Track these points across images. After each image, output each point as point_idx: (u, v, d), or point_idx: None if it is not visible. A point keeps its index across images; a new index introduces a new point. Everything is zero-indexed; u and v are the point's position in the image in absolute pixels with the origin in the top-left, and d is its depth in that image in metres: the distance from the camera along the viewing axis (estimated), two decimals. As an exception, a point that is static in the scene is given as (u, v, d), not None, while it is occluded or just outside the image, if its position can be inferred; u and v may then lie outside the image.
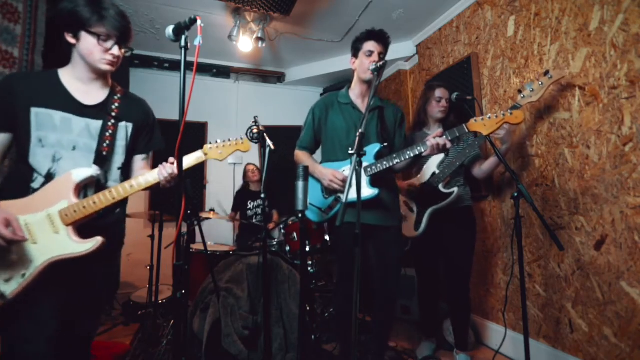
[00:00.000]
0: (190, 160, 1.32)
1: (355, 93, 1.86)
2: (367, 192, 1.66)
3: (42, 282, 1.13)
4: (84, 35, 1.17)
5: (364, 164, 1.66)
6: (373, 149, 1.73)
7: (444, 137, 1.54)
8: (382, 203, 1.75)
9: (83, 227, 1.20)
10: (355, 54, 1.82)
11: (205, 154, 1.35)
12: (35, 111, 1.16)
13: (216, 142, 1.38)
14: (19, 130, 1.17)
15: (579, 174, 1.90)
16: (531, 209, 1.63)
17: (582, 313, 1.87)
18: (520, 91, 1.80)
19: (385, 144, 1.75)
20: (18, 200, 1.14)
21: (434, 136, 1.54)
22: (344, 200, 1.11)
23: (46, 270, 1.12)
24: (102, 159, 1.24)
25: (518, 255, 1.58)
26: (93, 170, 1.21)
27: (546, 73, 1.76)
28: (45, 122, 1.17)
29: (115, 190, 1.21)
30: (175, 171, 1.22)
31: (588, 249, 1.85)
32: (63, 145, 1.19)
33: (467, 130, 1.57)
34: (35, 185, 1.18)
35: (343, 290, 1.76)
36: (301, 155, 1.89)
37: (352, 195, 1.13)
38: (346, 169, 1.75)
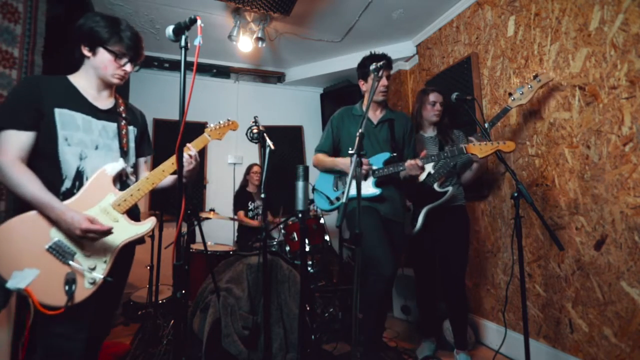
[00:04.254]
0: (197, 143, 1.50)
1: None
2: (371, 190, 1.93)
3: (118, 265, 1.24)
4: (101, 51, 1.27)
5: (374, 167, 1.95)
6: (383, 157, 1.96)
7: (421, 160, 1.83)
8: (394, 200, 1.99)
9: None
10: (363, 77, 2.05)
11: (209, 136, 1.57)
12: (59, 111, 1.22)
13: (211, 125, 1.61)
14: (44, 130, 1.21)
15: (579, 174, 1.90)
16: (531, 209, 1.63)
17: (582, 313, 1.87)
18: (510, 94, 1.91)
19: (395, 154, 1.98)
20: (67, 200, 1.19)
21: (421, 156, 1.84)
22: (343, 200, 1.11)
23: (119, 254, 1.24)
24: (125, 154, 1.35)
25: (518, 255, 1.58)
26: (122, 164, 1.31)
27: (535, 77, 1.91)
28: (68, 122, 1.23)
29: (151, 177, 1.33)
30: (193, 154, 1.40)
31: (588, 249, 1.85)
32: (87, 145, 1.26)
33: (465, 152, 1.77)
34: (67, 183, 1.22)
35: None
36: (322, 156, 2.11)
37: (353, 192, 1.22)
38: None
